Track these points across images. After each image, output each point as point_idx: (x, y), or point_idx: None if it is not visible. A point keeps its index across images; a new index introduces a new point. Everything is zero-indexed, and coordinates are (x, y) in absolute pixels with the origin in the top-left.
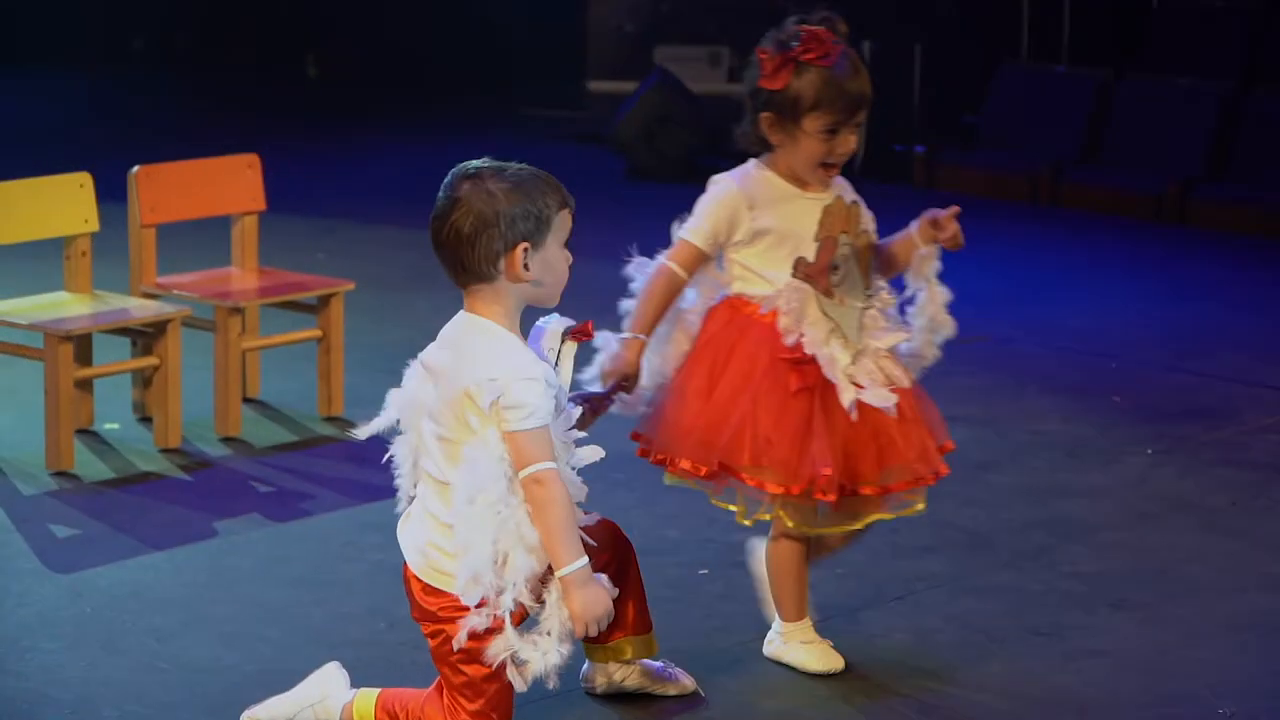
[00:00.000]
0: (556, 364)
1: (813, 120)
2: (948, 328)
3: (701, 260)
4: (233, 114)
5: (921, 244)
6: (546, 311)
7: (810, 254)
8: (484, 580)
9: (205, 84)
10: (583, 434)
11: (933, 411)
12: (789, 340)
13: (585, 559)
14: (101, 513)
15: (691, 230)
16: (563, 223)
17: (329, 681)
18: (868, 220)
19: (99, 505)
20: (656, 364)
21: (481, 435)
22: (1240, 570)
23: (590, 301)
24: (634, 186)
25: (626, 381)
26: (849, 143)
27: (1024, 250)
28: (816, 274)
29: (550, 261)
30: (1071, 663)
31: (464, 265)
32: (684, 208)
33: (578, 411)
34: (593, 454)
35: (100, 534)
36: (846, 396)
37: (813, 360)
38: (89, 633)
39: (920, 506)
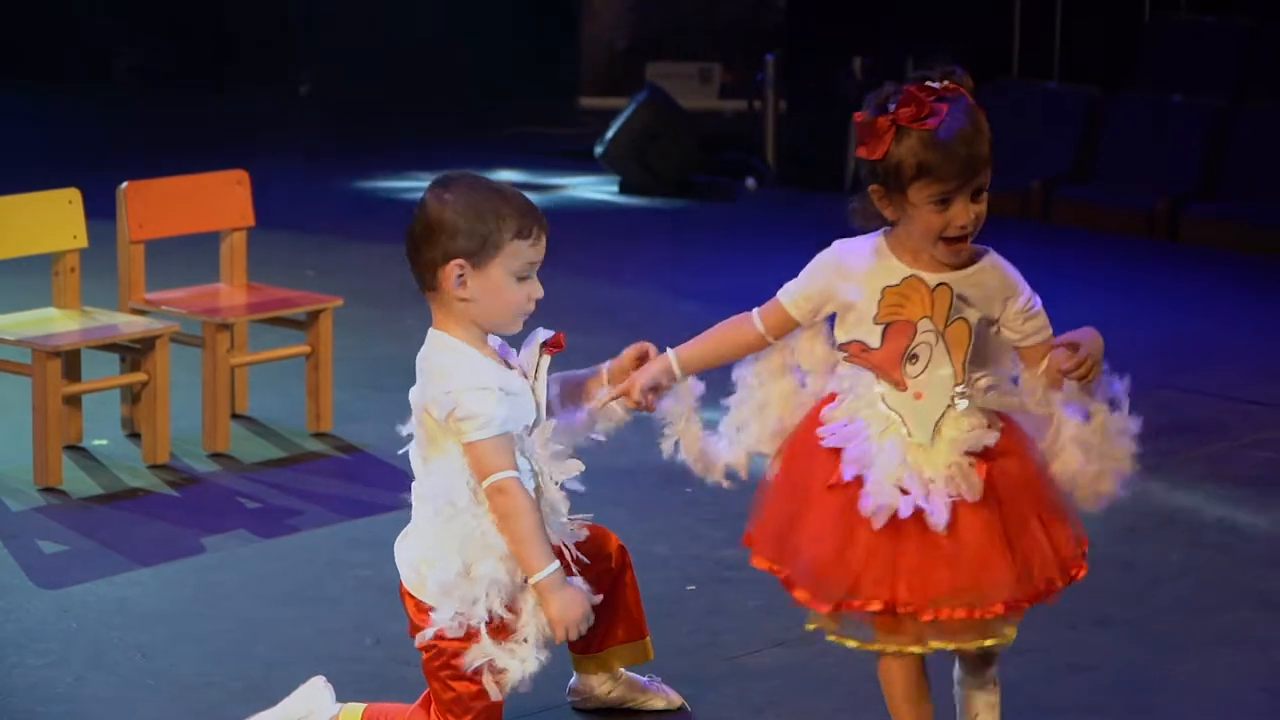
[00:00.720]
0: (535, 376)
1: (918, 191)
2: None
3: (788, 325)
4: (224, 130)
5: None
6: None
7: (872, 338)
8: (454, 592)
9: (197, 100)
10: (560, 446)
11: (1031, 540)
12: (828, 430)
13: (556, 563)
14: (89, 528)
15: (784, 289)
16: (514, 252)
17: (314, 696)
18: (1009, 312)
19: (87, 521)
20: (754, 433)
21: (443, 448)
22: (1227, 586)
23: (583, 318)
24: (626, 203)
25: (631, 391)
26: (967, 213)
27: (1015, 266)
28: (882, 362)
29: (494, 287)
30: (1056, 678)
31: (413, 270)
32: (676, 224)
33: (552, 424)
34: (573, 468)
35: (88, 550)
36: (866, 501)
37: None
38: (76, 649)
39: (987, 642)
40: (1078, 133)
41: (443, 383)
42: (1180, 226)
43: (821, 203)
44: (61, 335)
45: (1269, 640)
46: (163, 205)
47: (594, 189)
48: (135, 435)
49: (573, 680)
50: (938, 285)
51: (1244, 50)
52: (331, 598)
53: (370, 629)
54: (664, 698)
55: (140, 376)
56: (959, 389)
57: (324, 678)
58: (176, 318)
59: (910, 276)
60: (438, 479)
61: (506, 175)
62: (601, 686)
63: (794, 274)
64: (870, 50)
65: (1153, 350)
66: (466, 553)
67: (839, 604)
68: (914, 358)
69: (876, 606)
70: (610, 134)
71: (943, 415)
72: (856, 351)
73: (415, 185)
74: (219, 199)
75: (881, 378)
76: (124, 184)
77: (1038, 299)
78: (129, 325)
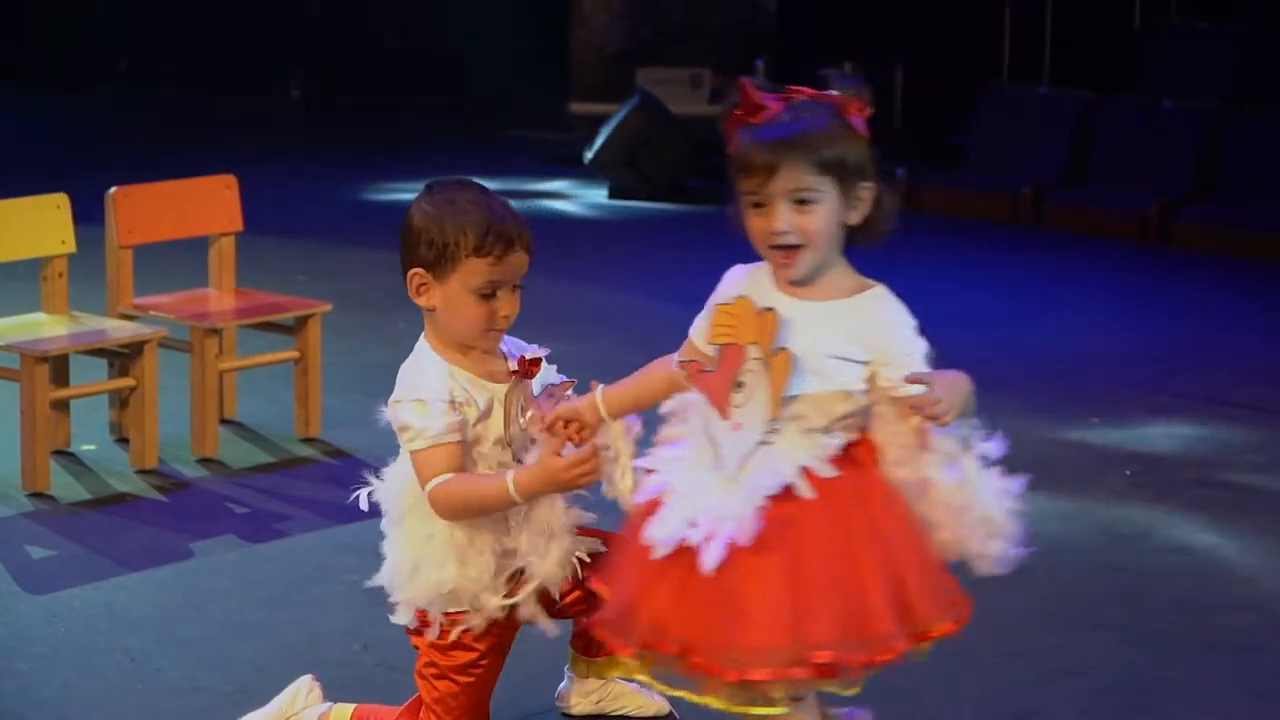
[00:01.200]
0: (507, 394)
1: (739, 189)
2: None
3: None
4: (215, 135)
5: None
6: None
7: (712, 361)
8: (397, 594)
9: (188, 105)
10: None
11: (829, 602)
12: (653, 452)
13: (509, 472)
14: (77, 534)
15: (694, 323)
16: (471, 269)
17: (303, 695)
18: (881, 357)
19: (75, 526)
20: None
21: (400, 455)
22: (1218, 590)
23: (575, 324)
24: (617, 208)
25: (547, 415)
26: (778, 218)
27: (1006, 271)
28: (712, 386)
29: (452, 301)
30: (1047, 683)
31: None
32: (667, 229)
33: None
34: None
35: (76, 555)
36: (647, 530)
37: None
38: (63, 653)
39: (753, 710)
40: (1070, 137)
41: (395, 392)
42: (1172, 231)
43: None
44: (50, 340)
45: (1262, 644)
46: (151, 210)
47: (584, 194)
48: (123, 440)
49: (561, 685)
50: (765, 309)
51: (1236, 55)
52: (320, 602)
53: (359, 633)
54: (653, 704)
55: (128, 381)
56: (773, 423)
57: (312, 676)
58: (165, 323)
59: (741, 296)
60: (387, 485)
61: (496, 181)
62: (592, 693)
63: None
64: (861, 55)
65: (1142, 355)
66: (420, 558)
67: (642, 643)
68: (739, 386)
69: (673, 650)
70: (600, 139)
71: (753, 451)
72: (694, 371)
73: (407, 190)
74: (207, 204)
75: (710, 403)
76: (112, 189)
77: (921, 349)
78: (117, 330)
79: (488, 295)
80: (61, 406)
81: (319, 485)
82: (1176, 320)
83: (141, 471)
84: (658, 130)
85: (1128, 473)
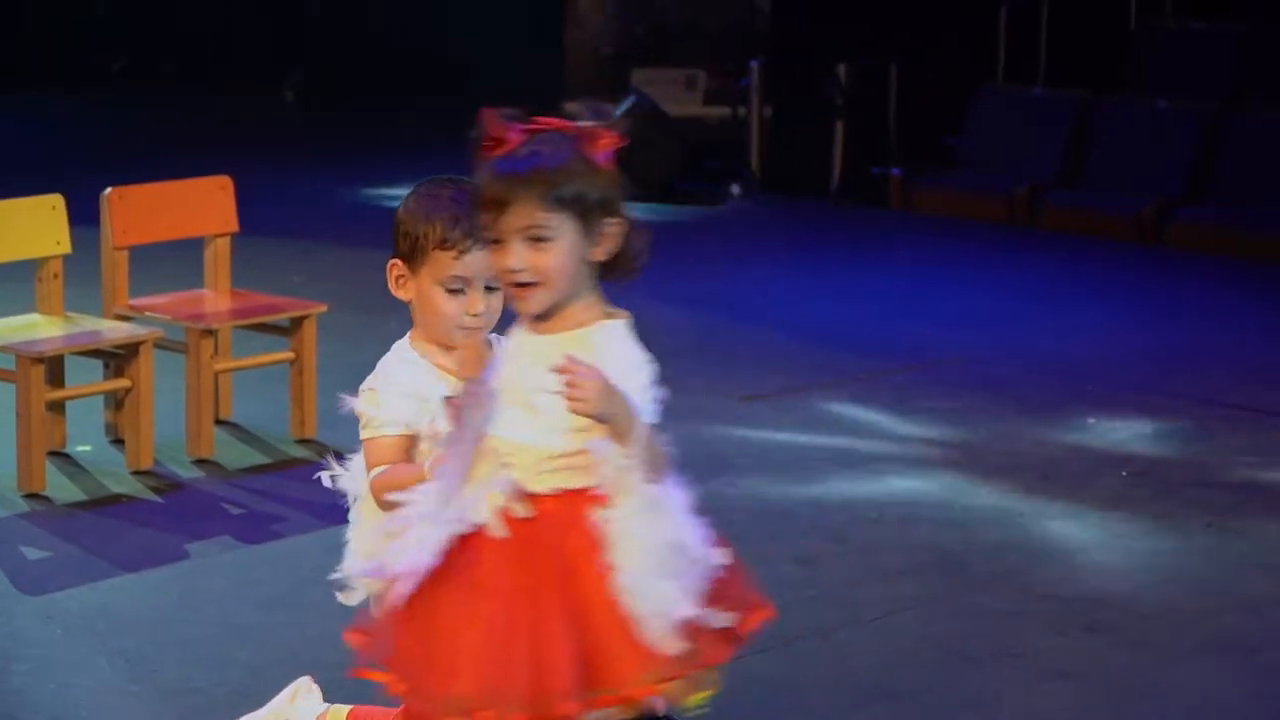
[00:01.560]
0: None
1: (483, 224)
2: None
3: None
4: (211, 137)
5: None
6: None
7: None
8: (355, 583)
9: (183, 106)
10: None
11: (509, 647)
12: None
13: (431, 457)
14: (73, 535)
15: None
16: (437, 262)
17: (301, 695)
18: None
19: (71, 527)
20: None
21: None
22: (1215, 592)
23: None
24: None
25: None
26: (512, 256)
27: (1002, 272)
28: (458, 420)
29: (424, 294)
30: (1044, 684)
31: None
32: (660, 229)
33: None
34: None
35: (72, 556)
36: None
37: None
38: (60, 654)
39: None
40: (1067, 137)
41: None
42: (1167, 231)
43: (806, 209)
44: (45, 341)
45: (1258, 645)
46: (147, 211)
47: None
48: (119, 441)
49: None
50: (482, 342)
51: (1233, 55)
52: (316, 603)
53: None
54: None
55: (124, 382)
56: (474, 459)
57: (310, 677)
58: (160, 323)
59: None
60: (353, 472)
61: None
62: None
63: (778, 278)
64: (855, 57)
65: (1138, 356)
66: (368, 546)
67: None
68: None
69: (385, 678)
70: None
71: (458, 486)
72: (451, 406)
73: (404, 191)
74: (203, 205)
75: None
76: (108, 190)
77: (640, 383)
78: (113, 331)
79: (456, 290)
80: (57, 407)
81: (314, 486)
82: (1174, 321)
83: (137, 472)
84: (652, 131)
85: (1124, 474)
